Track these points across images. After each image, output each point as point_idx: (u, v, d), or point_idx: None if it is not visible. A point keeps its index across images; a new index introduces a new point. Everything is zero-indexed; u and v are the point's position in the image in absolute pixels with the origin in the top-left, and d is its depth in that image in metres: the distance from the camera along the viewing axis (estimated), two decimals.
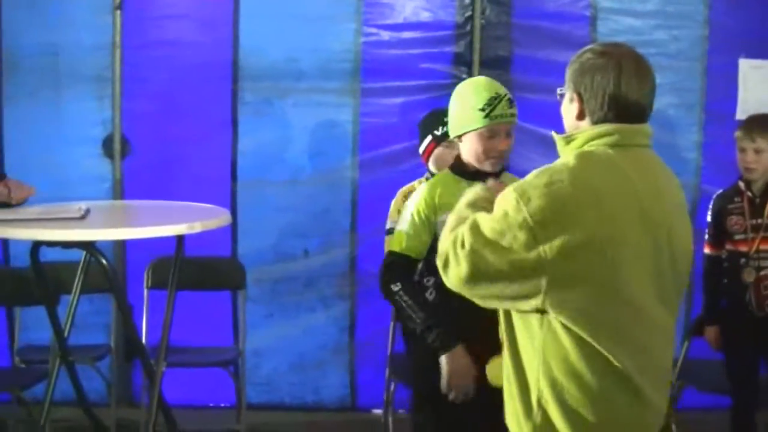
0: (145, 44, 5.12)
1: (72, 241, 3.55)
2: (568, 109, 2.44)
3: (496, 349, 2.56)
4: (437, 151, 4.01)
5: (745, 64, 5.14)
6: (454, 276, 2.32)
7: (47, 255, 3.95)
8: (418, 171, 4.30)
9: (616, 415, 2.31)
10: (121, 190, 5.16)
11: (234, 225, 5.10)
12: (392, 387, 4.73)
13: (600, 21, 5.16)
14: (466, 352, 3.10)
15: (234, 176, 5.22)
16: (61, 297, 4.49)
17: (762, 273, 4.14)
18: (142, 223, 3.93)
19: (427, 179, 4.04)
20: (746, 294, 4.18)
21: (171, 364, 4.23)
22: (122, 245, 5.14)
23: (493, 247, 2.24)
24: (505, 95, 3.16)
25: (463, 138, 3.19)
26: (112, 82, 5.10)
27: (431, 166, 4.04)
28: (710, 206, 4.41)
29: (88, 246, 3.66)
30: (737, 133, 4.24)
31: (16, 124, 5.09)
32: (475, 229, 2.29)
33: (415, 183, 4.12)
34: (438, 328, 3.12)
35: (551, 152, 2.49)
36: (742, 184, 4.26)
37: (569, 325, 2.25)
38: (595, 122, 2.37)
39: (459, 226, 2.39)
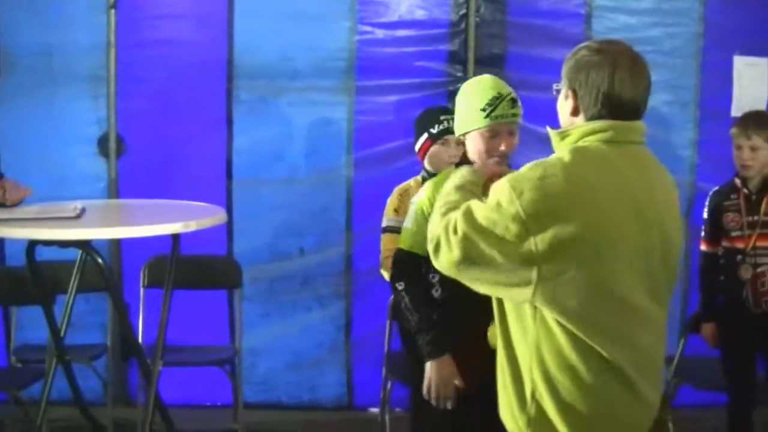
0: (140, 43, 5.11)
1: (68, 240, 3.55)
2: (563, 105, 2.46)
3: None
4: (433, 149, 4.00)
5: (740, 62, 5.15)
6: (445, 260, 2.35)
7: (43, 254, 3.95)
8: (414, 169, 4.30)
9: (609, 408, 2.34)
10: (116, 189, 5.16)
11: (230, 223, 5.09)
12: (389, 386, 4.73)
13: (595, 18, 5.17)
14: (466, 353, 3.10)
15: (229, 175, 5.21)
16: (58, 296, 4.48)
17: (759, 270, 4.14)
18: (137, 221, 3.92)
19: (422, 177, 4.05)
20: (743, 291, 4.17)
21: (167, 363, 4.24)
22: (118, 244, 5.14)
23: (486, 235, 2.26)
24: (508, 95, 3.14)
25: (467, 137, 3.19)
26: (108, 81, 5.10)
27: (426, 164, 4.04)
28: (706, 203, 4.41)
29: (84, 245, 3.66)
30: (733, 131, 4.24)
31: (12, 124, 5.08)
32: (469, 216, 2.31)
33: (410, 181, 4.12)
34: (428, 335, 3.13)
35: (547, 149, 2.50)
36: (738, 181, 4.26)
37: (560, 319, 2.27)
38: (589, 119, 2.39)
39: (448, 211, 2.44)
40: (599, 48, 2.40)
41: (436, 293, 3.20)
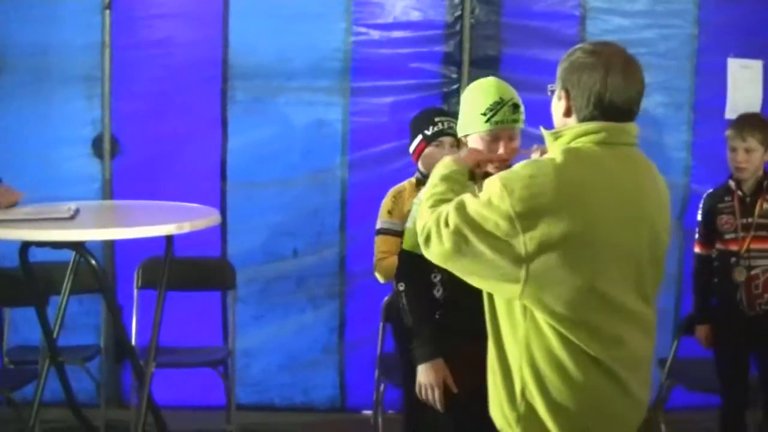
0: (134, 44, 5.10)
1: (61, 241, 3.53)
2: (557, 106, 2.47)
3: None
4: (427, 150, 3.99)
5: (734, 64, 5.15)
6: (436, 252, 2.39)
7: (36, 255, 3.94)
8: (408, 170, 4.29)
9: (598, 405, 2.36)
10: (110, 190, 5.15)
11: (224, 225, 5.09)
12: (382, 387, 4.73)
13: (589, 20, 5.17)
14: (468, 353, 3.10)
15: (224, 176, 5.20)
16: (51, 297, 4.48)
17: (753, 272, 4.14)
18: (131, 223, 3.92)
19: (416, 179, 4.04)
20: (737, 293, 4.17)
21: (160, 364, 4.22)
22: (112, 245, 5.13)
23: (477, 230, 2.29)
24: (510, 100, 3.12)
25: (468, 139, 3.19)
26: (102, 81, 5.09)
27: (421, 166, 4.03)
28: (700, 205, 4.41)
29: (78, 246, 3.65)
30: (728, 133, 4.24)
31: (6, 124, 5.07)
32: (461, 209, 2.34)
33: (405, 183, 4.12)
34: (422, 338, 3.13)
35: None
36: (732, 183, 4.26)
37: (548, 319, 2.29)
38: (581, 120, 2.41)
39: (437, 202, 2.49)
40: (593, 50, 2.41)
41: (438, 293, 3.20)
